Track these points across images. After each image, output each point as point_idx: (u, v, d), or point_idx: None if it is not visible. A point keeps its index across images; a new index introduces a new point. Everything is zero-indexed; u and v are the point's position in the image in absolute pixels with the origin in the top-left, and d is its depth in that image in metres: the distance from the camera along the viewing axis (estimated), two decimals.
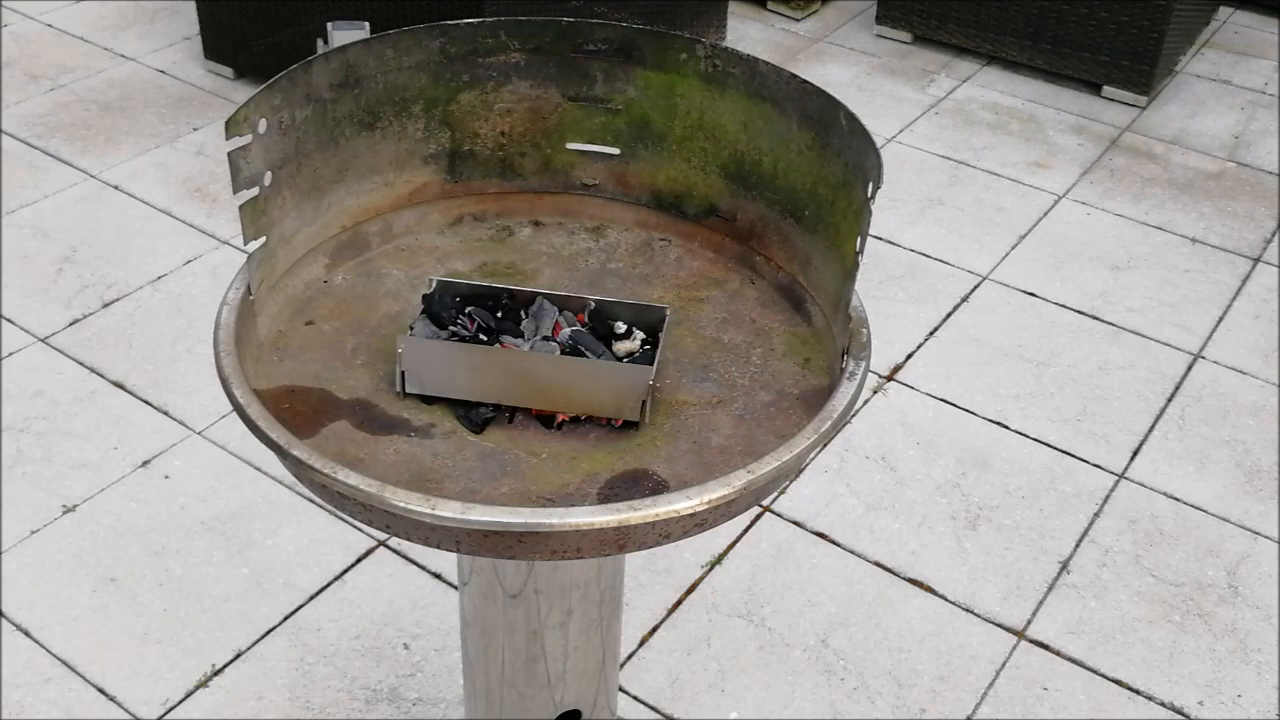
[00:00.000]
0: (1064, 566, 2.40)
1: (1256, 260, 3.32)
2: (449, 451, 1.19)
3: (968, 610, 2.30)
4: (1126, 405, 2.80)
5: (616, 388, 1.20)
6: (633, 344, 1.29)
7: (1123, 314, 3.08)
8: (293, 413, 1.21)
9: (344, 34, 1.54)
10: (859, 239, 1.19)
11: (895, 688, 2.15)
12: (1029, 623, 2.28)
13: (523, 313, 1.31)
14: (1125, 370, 2.90)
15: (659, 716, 2.09)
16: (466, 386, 1.22)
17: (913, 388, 2.82)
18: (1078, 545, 2.44)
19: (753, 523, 2.45)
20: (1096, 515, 2.51)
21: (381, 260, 1.43)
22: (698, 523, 1.10)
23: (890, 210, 3.43)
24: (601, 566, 1.40)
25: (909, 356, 2.92)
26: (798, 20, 4.50)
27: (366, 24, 1.73)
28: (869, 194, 1.16)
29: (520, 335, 1.29)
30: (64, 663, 2.12)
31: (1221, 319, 3.09)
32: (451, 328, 1.28)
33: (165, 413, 2.64)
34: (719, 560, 2.37)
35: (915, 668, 2.19)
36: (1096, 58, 3.99)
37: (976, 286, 3.16)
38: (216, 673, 2.12)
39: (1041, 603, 2.32)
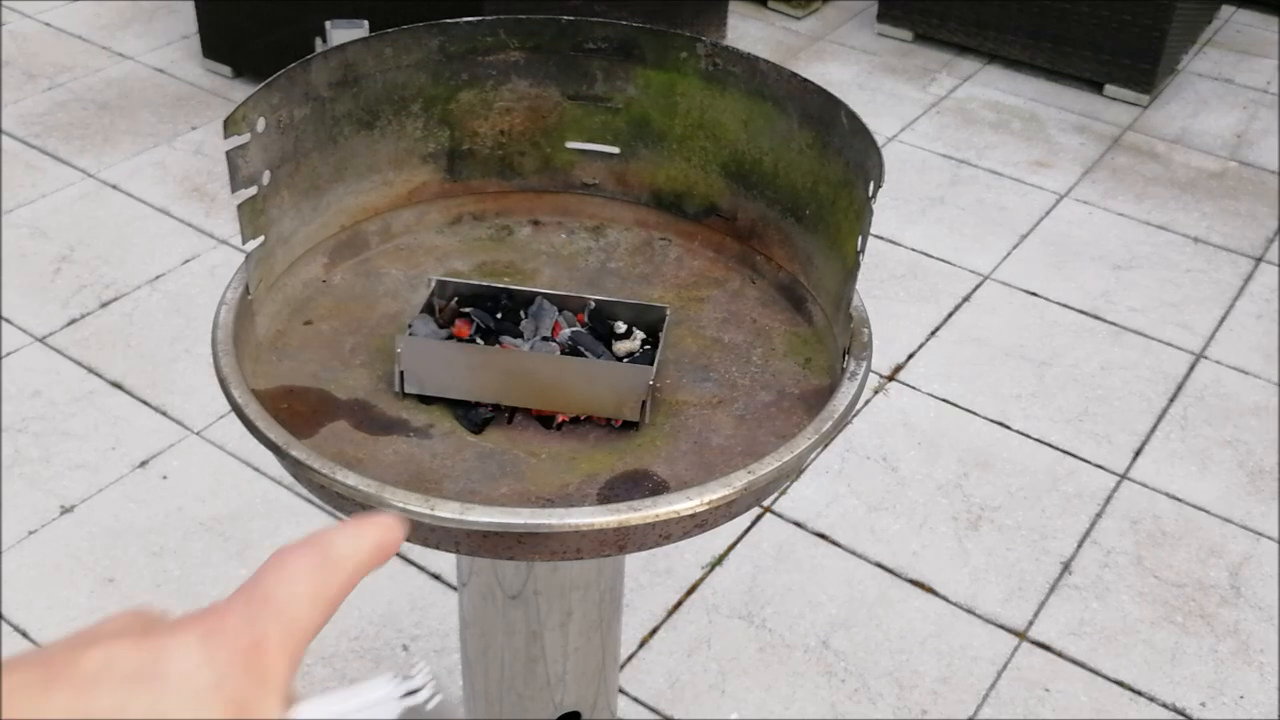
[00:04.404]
0: (1066, 567, 2.39)
1: (1259, 260, 3.31)
2: (448, 452, 1.18)
3: (969, 611, 2.29)
4: (1128, 405, 2.79)
5: (616, 388, 1.19)
6: (633, 344, 1.28)
7: (1125, 314, 3.07)
8: (291, 413, 1.20)
9: (343, 32, 1.54)
10: (860, 238, 1.18)
11: (896, 689, 2.14)
12: (1031, 624, 2.28)
13: (522, 313, 1.31)
14: (1127, 370, 2.89)
15: (659, 718, 2.08)
16: (466, 386, 1.21)
17: (914, 388, 2.81)
18: (1079, 546, 2.44)
19: (753, 523, 2.45)
20: (1098, 516, 2.51)
21: (380, 260, 1.42)
22: (698, 523, 1.09)
23: (891, 209, 3.42)
24: (601, 567, 1.39)
25: (910, 356, 2.91)
26: (798, 19, 4.49)
27: (365, 22, 1.72)
28: (870, 193, 1.15)
29: (520, 335, 1.28)
30: None
31: (1224, 319, 3.08)
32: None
33: (163, 413, 2.63)
34: (719, 561, 2.36)
35: (916, 669, 2.18)
36: (1098, 56, 3.98)
37: (978, 286, 3.16)
38: None
39: (1043, 604, 2.31)
